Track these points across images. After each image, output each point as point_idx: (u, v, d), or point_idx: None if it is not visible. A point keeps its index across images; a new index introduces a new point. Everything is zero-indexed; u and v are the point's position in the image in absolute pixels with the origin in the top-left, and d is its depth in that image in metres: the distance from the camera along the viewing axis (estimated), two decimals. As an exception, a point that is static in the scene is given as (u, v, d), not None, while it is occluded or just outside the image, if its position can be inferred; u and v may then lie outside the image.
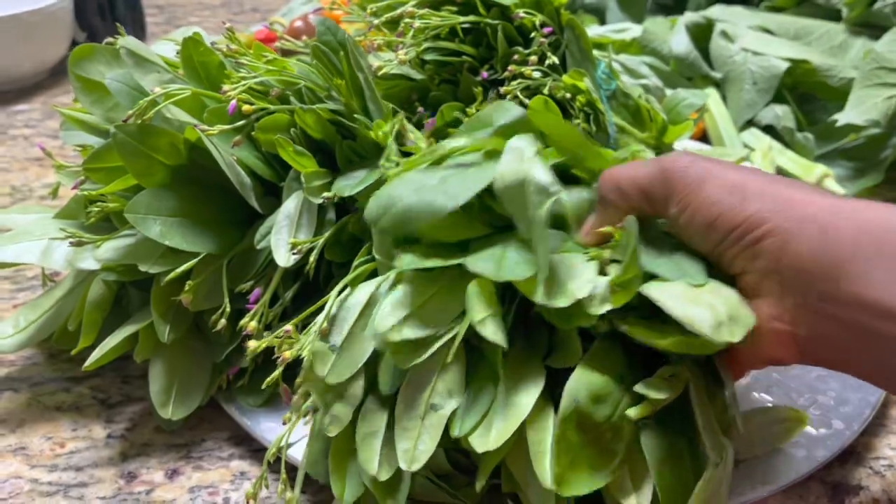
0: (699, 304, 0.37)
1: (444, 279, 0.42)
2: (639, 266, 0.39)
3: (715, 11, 0.95)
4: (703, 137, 0.89)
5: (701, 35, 0.93)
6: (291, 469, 0.47)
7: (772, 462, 0.48)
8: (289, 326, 0.46)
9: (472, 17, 0.59)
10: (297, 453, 0.47)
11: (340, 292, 0.45)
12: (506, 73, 0.58)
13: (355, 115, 0.51)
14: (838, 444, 0.49)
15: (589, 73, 0.65)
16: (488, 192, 0.42)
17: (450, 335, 0.41)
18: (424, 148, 0.51)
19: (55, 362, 0.59)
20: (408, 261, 0.42)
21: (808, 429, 0.50)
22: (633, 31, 0.94)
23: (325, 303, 0.45)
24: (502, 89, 0.57)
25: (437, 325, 0.41)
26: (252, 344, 0.46)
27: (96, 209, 0.50)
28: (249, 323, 0.49)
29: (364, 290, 0.45)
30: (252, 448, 0.52)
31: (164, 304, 0.50)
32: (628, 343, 0.40)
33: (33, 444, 0.52)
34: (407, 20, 0.56)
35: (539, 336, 0.43)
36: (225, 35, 0.53)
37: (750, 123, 0.86)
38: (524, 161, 0.42)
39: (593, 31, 0.94)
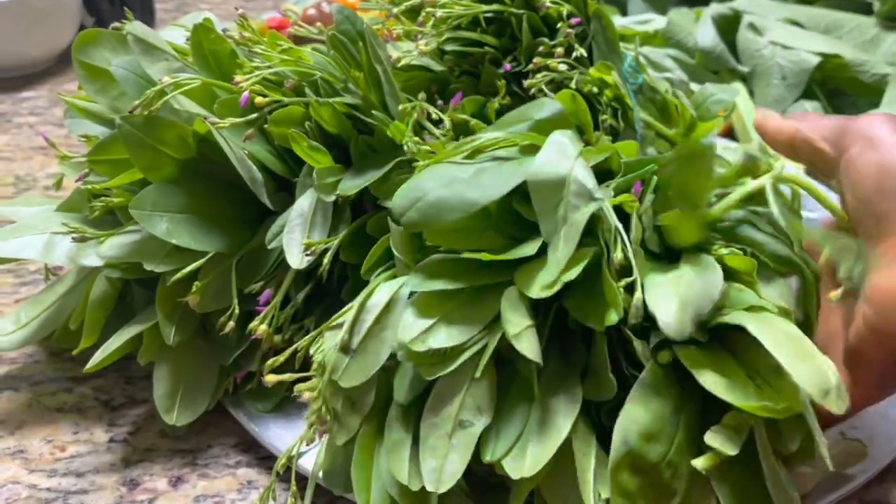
0: (808, 360, 0.34)
1: (468, 290, 0.40)
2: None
3: (742, 3, 0.92)
4: (730, 133, 0.86)
5: (727, 27, 0.90)
6: (302, 479, 0.45)
7: (808, 481, 0.46)
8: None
9: (495, 6, 0.56)
10: (308, 463, 0.45)
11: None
12: (530, 66, 0.55)
13: (373, 112, 0.48)
14: (878, 462, 0.47)
15: (616, 66, 0.62)
16: (515, 195, 0.40)
17: (479, 345, 0.39)
18: (445, 142, 0.49)
19: (57, 361, 0.56)
20: (414, 283, 0.39)
21: (845, 445, 0.48)
22: (656, 22, 0.91)
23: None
24: (526, 82, 0.55)
25: (465, 335, 0.38)
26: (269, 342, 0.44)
27: (100, 204, 0.48)
28: (259, 326, 0.46)
29: (384, 292, 0.42)
30: (260, 455, 0.49)
31: (170, 304, 0.47)
32: (682, 373, 0.37)
33: (33, 448, 0.50)
34: (429, 9, 0.53)
35: (575, 353, 0.41)
36: (237, 22, 0.51)
37: (778, 120, 0.83)
38: (566, 157, 0.39)
39: (615, 22, 0.91)
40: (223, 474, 0.48)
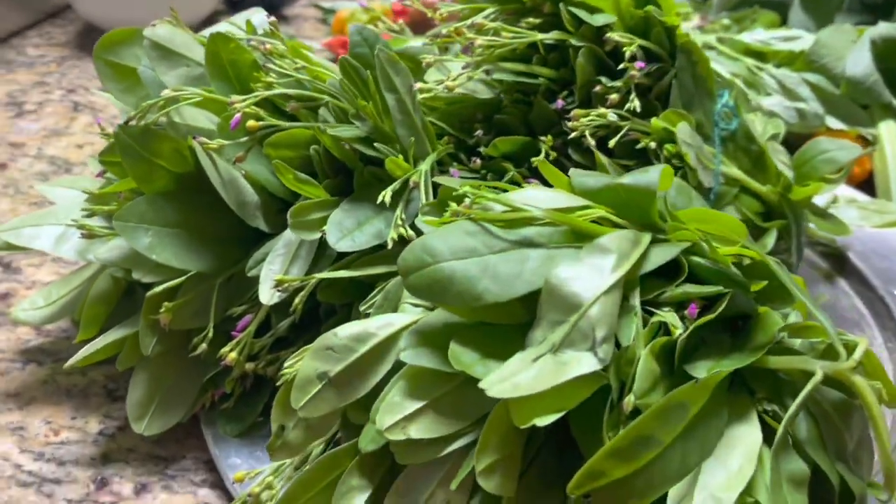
0: None
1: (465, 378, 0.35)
2: None
3: (916, 26, 0.79)
4: (868, 182, 0.76)
5: (888, 53, 0.78)
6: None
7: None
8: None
9: (554, 34, 0.51)
10: None
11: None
12: (576, 111, 0.49)
13: (375, 144, 0.45)
14: None
15: (704, 106, 0.55)
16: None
17: (463, 441, 0.35)
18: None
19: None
20: (410, 356, 0.35)
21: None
22: (804, 41, 0.80)
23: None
24: (570, 124, 0.49)
25: (452, 428, 0.35)
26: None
27: (103, 207, 0.48)
28: (230, 353, 0.45)
29: (382, 322, 0.38)
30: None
31: (155, 314, 0.47)
32: None
33: (33, 427, 0.52)
34: (469, 35, 0.49)
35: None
36: (265, 31, 0.49)
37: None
38: (599, 277, 0.34)
39: (754, 36, 0.81)
40: (185, 491, 0.48)
